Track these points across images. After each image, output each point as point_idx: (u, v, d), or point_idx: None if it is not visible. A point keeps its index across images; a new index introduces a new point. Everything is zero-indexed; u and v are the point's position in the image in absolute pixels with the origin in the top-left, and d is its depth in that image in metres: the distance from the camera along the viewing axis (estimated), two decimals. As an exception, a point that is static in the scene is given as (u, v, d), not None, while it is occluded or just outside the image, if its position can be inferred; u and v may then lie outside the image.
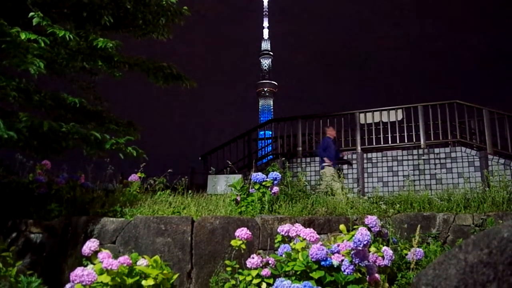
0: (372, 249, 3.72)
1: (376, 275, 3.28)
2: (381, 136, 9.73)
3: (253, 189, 4.94)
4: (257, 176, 4.86)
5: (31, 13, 4.41)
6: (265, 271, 3.18)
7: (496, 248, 1.55)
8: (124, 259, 2.81)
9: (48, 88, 5.59)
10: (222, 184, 6.41)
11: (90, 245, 2.96)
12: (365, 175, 9.11)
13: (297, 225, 3.46)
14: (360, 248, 2.96)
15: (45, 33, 4.48)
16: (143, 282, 2.80)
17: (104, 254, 2.82)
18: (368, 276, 3.20)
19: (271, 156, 11.39)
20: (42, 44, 4.19)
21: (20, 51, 3.97)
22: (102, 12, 5.58)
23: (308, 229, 3.38)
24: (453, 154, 8.60)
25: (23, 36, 3.99)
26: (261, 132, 13.30)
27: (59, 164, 5.77)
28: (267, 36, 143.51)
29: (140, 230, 4.19)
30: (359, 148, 9.72)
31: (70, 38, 4.53)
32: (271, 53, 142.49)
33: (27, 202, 4.88)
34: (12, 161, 5.74)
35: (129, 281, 2.77)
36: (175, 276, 2.98)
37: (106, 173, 5.50)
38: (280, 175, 4.96)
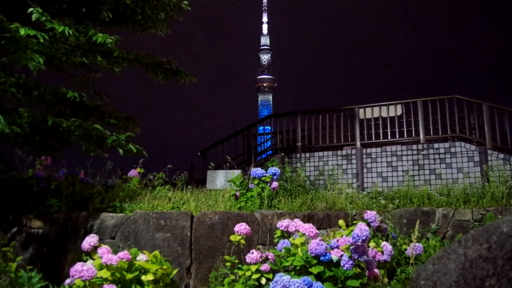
0: (372, 244, 3.73)
1: (376, 270, 3.29)
2: (381, 131, 9.71)
3: (253, 184, 4.94)
4: (256, 171, 4.87)
5: (30, 9, 4.39)
6: (265, 266, 3.19)
7: (495, 243, 1.55)
8: (124, 254, 2.82)
9: (47, 84, 5.58)
10: (222, 179, 6.41)
11: (90, 240, 2.96)
12: (365, 170, 9.12)
13: (296, 220, 3.47)
14: (359, 243, 2.97)
15: (44, 29, 4.46)
16: (143, 277, 2.81)
17: (104, 249, 2.82)
18: (367, 271, 3.20)
19: (270, 152, 11.38)
20: (41, 40, 4.17)
21: (19, 47, 3.96)
22: (101, 7, 5.56)
23: (307, 224, 3.38)
24: (452, 149, 8.60)
25: (22, 31, 3.97)
26: (260, 128, 13.27)
27: (59, 159, 5.77)
28: (266, 31, 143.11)
29: (139, 226, 4.19)
30: (358, 143, 9.71)
31: (70, 33, 4.51)
32: (270, 48, 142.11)
33: (26, 197, 4.88)
34: (12, 157, 5.74)
35: (129, 276, 2.78)
36: (175, 271, 2.99)
37: (106, 168, 5.50)
38: (279, 170, 4.96)
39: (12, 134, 3.94)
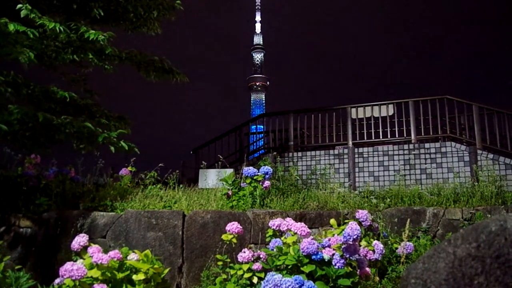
0: (363, 243, 3.75)
1: (367, 269, 3.30)
2: (372, 131, 9.76)
3: (245, 183, 4.94)
4: (248, 170, 4.86)
5: (19, 5, 4.33)
6: (256, 265, 3.19)
7: (484, 242, 1.56)
8: (115, 253, 2.80)
9: (37, 81, 5.52)
10: (214, 178, 6.39)
11: (79, 240, 2.94)
12: (356, 169, 9.15)
13: (288, 219, 3.47)
14: (351, 242, 2.98)
15: (34, 25, 4.41)
16: (134, 277, 2.79)
17: (94, 248, 2.80)
18: (358, 270, 3.22)
19: (262, 151, 11.38)
20: (31, 36, 4.12)
21: (9, 41, 3.91)
22: (92, 5, 5.50)
23: (299, 223, 3.39)
24: (443, 149, 8.67)
25: (11, 27, 3.92)
26: (252, 127, 13.27)
27: (49, 158, 5.70)
28: (259, 31, 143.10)
29: (130, 225, 4.17)
30: (350, 142, 9.75)
31: (61, 30, 4.45)
32: (263, 48, 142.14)
33: (15, 196, 4.82)
34: (0, 155, 5.66)
35: (120, 275, 2.76)
36: (166, 271, 2.98)
37: (97, 167, 5.45)
38: (271, 170, 4.96)
39: (1, 131, 3.89)
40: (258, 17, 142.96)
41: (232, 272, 3.25)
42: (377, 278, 3.81)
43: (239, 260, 3.25)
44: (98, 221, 4.26)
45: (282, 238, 3.29)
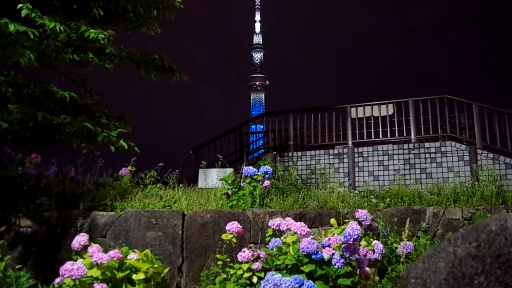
0: (363, 242, 3.75)
1: (367, 268, 3.30)
2: (372, 130, 9.76)
3: (244, 183, 4.94)
4: (248, 170, 4.86)
5: (20, 5, 4.33)
6: (256, 265, 3.19)
7: (484, 241, 1.56)
8: (115, 253, 2.80)
9: (37, 81, 5.52)
10: (213, 177, 6.39)
11: (80, 239, 2.94)
12: (356, 169, 9.15)
13: (288, 219, 3.47)
14: (351, 242, 2.98)
15: (34, 25, 4.40)
16: (134, 276, 2.79)
17: (94, 248, 2.80)
18: (358, 270, 3.22)
19: (262, 150, 11.38)
20: (32, 36, 4.12)
21: (10, 42, 3.91)
22: (92, 5, 5.50)
23: (299, 223, 3.39)
24: (443, 149, 8.67)
25: (11, 27, 3.91)
26: (252, 126, 13.28)
27: (49, 157, 5.70)
28: (259, 30, 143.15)
29: (130, 224, 4.17)
30: (350, 142, 9.75)
31: (61, 29, 4.45)
32: (263, 47, 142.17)
33: (16, 195, 4.82)
34: (0, 155, 5.66)
35: (120, 275, 2.76)
36: (166, 270, 2.98)
37: (97, 166, 5.44)
38: (271, 169, 4.96)
39: (2, 131, 3.89)
40: (257, 17, 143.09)
41: (231, 271, 3.25)
42: (377, 278, 3.82)
43: (238, 259, 3.25)
44: (98, 220, 4.26)
45: (282, 238, 3.29)
